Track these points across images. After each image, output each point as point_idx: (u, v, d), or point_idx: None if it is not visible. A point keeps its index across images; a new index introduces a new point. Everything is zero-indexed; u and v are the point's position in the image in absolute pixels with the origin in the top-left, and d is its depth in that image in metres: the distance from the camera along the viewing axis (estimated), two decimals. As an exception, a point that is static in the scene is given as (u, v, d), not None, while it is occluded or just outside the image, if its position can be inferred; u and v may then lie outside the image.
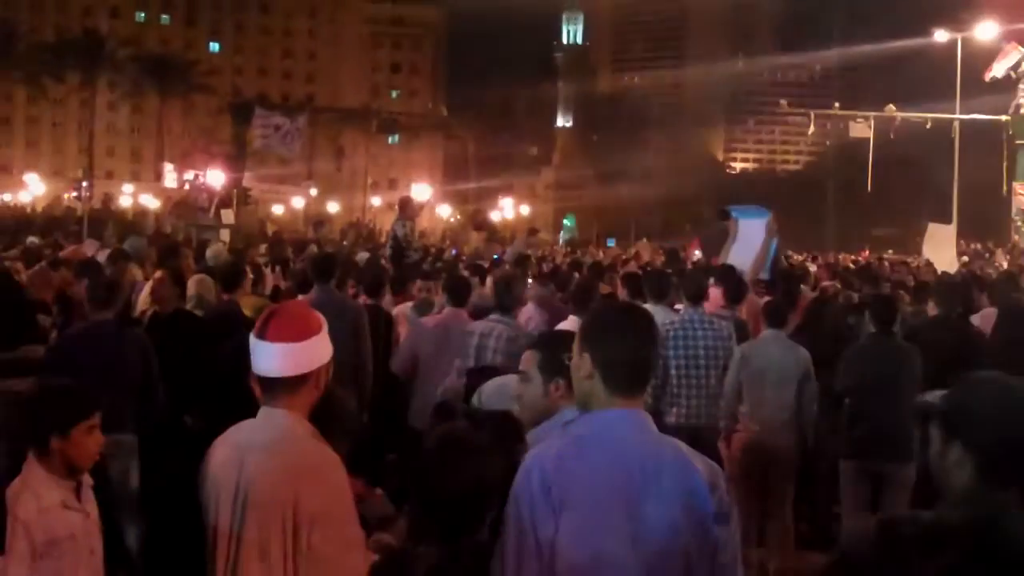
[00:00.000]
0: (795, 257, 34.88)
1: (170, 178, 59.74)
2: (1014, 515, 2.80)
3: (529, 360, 4.46)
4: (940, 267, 15.90)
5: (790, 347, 9.07)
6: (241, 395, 4.04)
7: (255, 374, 3.79)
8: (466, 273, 12.66)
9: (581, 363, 3.47)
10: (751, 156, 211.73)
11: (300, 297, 10.05)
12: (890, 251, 53.13)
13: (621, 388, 3.40)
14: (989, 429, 2.86)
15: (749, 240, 12.72)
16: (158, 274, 9.71)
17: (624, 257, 25.37)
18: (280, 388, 3.73)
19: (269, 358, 3.73)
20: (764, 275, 12.35)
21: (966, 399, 2.97)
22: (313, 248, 19.67)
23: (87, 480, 4.55)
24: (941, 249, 20.24)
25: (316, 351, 3.77)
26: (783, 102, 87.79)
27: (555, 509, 3.29)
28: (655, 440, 3.40)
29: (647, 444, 3.37)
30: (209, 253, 14.12)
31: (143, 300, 9.87)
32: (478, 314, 8.97)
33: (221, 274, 10.01)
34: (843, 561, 3.13)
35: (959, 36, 48.80)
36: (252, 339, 3.78)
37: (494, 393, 5.79)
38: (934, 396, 3.07)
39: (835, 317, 10.95)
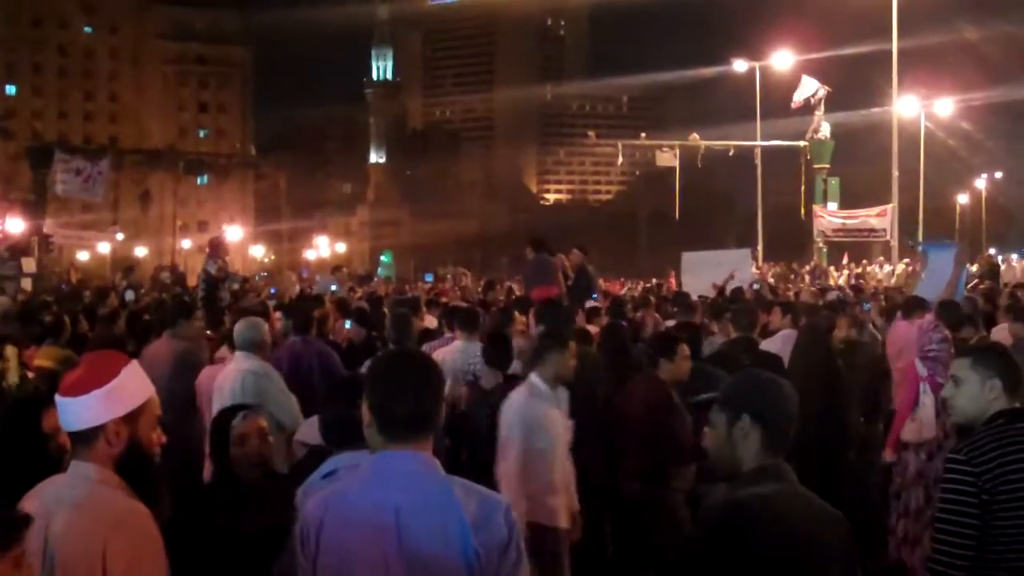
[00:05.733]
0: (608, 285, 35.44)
1: (-35, 227, 57.04)
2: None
3: None
4: (697, 293, 16.41)
5: None
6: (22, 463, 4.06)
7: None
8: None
9: (364, 413, 3.56)
10: (564, 187, 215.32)
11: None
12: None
13: (397, 435, 3.49)
14: (767, 402, 3.68)
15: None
16: None
17: (437, 291, 25.28)
18: (76, 442, 3.70)
19: (61, 412, 3.72)
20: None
21: (749, 383, 3.81)
22: (128, 295, 18.94)
23: None
24: (697, 277, 20.90)
25: (99, 405, 3.66)
26: (591, 133, 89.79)
27: (312, 554, 3.48)
28: (422, 479, 3.46)
29: (407, 484, 3.44)
30: None
31: None
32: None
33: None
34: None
35: (757, 65, 50.62)
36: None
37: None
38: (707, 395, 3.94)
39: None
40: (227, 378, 8.10)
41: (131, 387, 3.74)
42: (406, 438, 3.48)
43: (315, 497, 3.62)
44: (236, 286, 18.96)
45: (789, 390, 3.75)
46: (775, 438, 3.66)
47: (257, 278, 36.66)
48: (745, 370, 3.98)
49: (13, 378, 9.18)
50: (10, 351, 9.84)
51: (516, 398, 7.22)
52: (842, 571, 3.59)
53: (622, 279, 33.61)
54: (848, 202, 43.87)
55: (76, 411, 3.66)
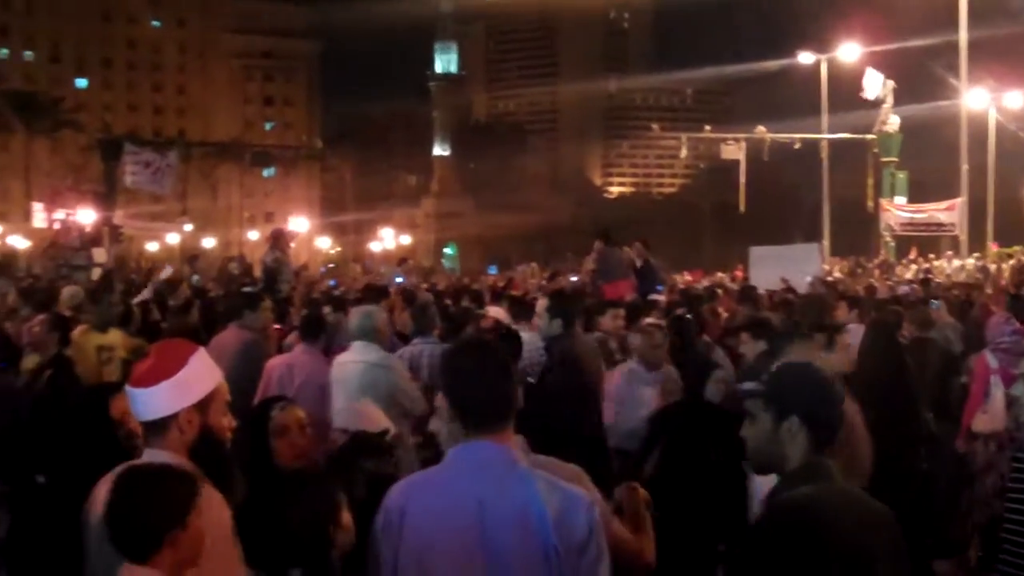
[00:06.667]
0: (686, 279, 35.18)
1: (39, 218, 57.90)
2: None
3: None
4: (765, 287, 16.29)
5: None
6: (92, 450, 3.94)
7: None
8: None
9: (444, 406, 3.69)
10: (627, 180, 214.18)
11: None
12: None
13: (478, 426, 3.50)
14: (817, 403, 3.58)
15: None
16: (37, 318, 9.34)
17: (501, 283, 25.31)
18: (149, 431, 3.76)
19: (132, 403, 3.79)
20: None
21: (798, 382, 3.65)
22: (193, 279, 19.21)
23: None
24: (766, 271, 20.82)
25: (170, 395, 3.72)
26: (655, 126, 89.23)
27: (395, 541, 3.48)
28: (505, 471, 3.46)
29: (490, 476, 3.44)
30: (65, 295, 13.21)
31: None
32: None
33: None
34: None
35: (823, 57, 50.10)
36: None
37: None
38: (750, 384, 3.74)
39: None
40: (348, 371, 8.14)
41: (200, 375, 3.80)
42: (487, 428, 3.50)
43: (398, 485, 3.65)
44: (290, 277, 19.04)
45: (838, 389, 3.71)
46: (823, 439, 3.62)
47: (323, 269, 36.91)
48: (790, 365, 3.89)
49: (117, 369, 9.36)
50: (114, 337, 9.98)
51: None
52: (891, 568, 3.56)
53: (701, 270, 33.45)
54: (915, 196, 43.38)
55: (148, 401, 3.72)
